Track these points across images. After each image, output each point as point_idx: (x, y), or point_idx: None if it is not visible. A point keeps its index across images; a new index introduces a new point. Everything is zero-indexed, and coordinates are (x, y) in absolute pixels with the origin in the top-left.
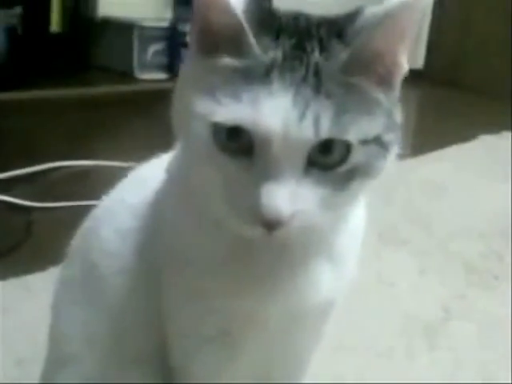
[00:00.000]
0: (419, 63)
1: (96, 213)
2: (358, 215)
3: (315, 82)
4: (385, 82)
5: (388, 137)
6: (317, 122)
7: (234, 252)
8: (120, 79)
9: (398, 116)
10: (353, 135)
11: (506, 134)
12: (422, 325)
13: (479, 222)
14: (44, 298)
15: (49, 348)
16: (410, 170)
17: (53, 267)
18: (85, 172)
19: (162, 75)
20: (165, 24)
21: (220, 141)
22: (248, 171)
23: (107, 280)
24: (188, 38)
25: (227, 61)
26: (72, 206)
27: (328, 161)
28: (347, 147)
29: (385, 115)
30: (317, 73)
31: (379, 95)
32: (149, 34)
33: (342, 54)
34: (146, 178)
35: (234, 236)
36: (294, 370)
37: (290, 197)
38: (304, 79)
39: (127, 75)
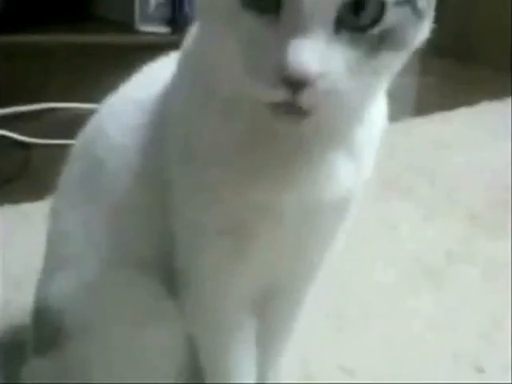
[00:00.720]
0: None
1: (101, 110)
2: (378, 111)
3: None
4: None
5: (423, 3)
6: None
7: (247, 139)
8: (121, 30)
9: None
10: None
11: (508, 100)
12: (426, 267)
13: (483, 176)
14: (41, 224)
15: (46, 255)
16: (415, 127)
17: (50, 197)
18: (81, 114)
19: (164, 28)
20: None
21: None
22: (274, 28)
23: (111, 176)
24: None
25: None
26: (68, 145)
27: (360, 21)
28: (381, 6)
29: None
30: None
31: None
32: None
33: None
34: (153, 75)
35: (248, 121)
36: (304, 277)
37: (318, 54)
38: None
39: (128, 26)
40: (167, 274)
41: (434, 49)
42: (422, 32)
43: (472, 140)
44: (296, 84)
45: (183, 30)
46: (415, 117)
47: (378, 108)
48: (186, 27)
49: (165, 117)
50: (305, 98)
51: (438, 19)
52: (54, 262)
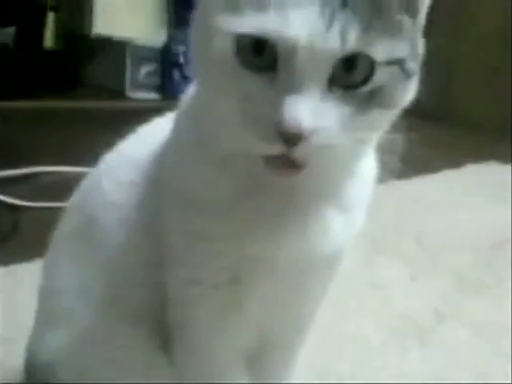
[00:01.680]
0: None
1: (98, 168)
2: (369, 166)
3: None
4: (410, 6)
5: (411, 65)
6: (343, 33)
7: (242, 193)
8: (112, 97)
9: (421, 47)
10: (378, 52)
11: (493, 163)
12: (414, 326)
13: (469, 237)
14: (30, 285)
15: (37, 311)
16: (399, 189)
17: (39, 259)
18: (72, 178)
19: (153, 95)
20: (158, 45)
21: (243, 56)
22: (271, 86)
23: (106, 231)
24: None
25: None
26: (58, 207)
27: (352, 79)
28: (371, 65)
29: (408, 41)
30: None
31: (404, 18)
32: (142, 54)
33: None
34: (149, 135)
35: (242, 176)
36: (296, 330)
37: (312, 111)
38: None
39: (119, 94)
40: (160, 327)
41: (418, 110)
42: (410, 92)
43: (457, 201)
44: (292, 140)
45: (172, 97)
46: (399, 178)
47: (368, 163)
48: (175, 94)
49: (161, 173)
50: (299, 152)
51: (422, 82)
52: (45, 317)
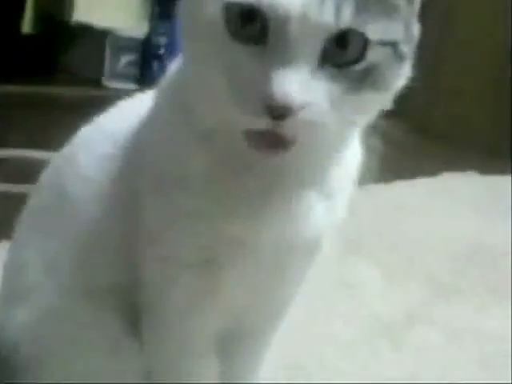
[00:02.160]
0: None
1: (72, 142)
2: (354, 154)
3: None
4: None
5: (405, 47)
6: (338, 8)
7: (223, 171)
8: (88, 84)
9: (416, 30)
10: (372, 31)
11: (470, 173)
12: (386, 327)
13: (444, 243)
14: None
15: (3, 286)
16: (377, 193)
17: (6, 241)
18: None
19: (131, 86)
20: (140, 36)
21: (233, 25)
22: (260, 58)
23: (79, 206)
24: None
25: None
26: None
27: (344, 57)
28: (364, 43)
29: (403, 24)
30: None
31: (400, 1)
32: (122, 44)
33: None
34: (129, 110)
35: (224, 153)
36: (271, 317)
37: (301, 85)
38: None
39: (96, 82)
40: (129, 308)
41: (399, 119)
42: (402, 76)
43: (435, 208)
44: (279, 114)
45: (150, 88)
46: (377, 183)
47: (353, 150)
48: (153, 85)
49: (140, 147)
50: (286, 127)
51: (403, 92)
52: (11, 292)
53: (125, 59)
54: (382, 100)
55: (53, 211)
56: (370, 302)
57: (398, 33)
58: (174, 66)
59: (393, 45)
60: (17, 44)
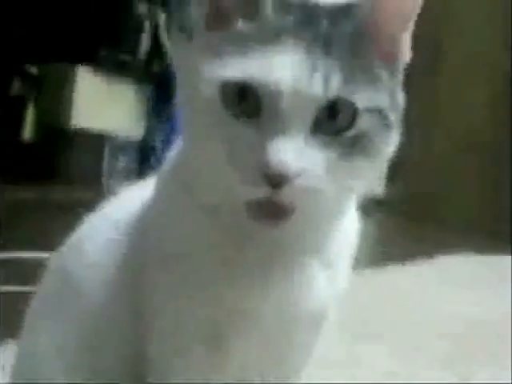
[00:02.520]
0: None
1: (78, 231)
2: (352, 223)
3: (325, 45)
4: (388, 60)
5: (392, 115)
6: (327, 79)
7: (226, 244)
8: (88, 187)
9: (401, 100)
10: (359, 100)
11: (465, 254)
12: None
13: (449, 325)
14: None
15: (13, 375)
16: (374, 278)
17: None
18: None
19: (131, 182)
20: (137, 137)
21: (228, 102)
22: (256, 130)
23: (85, 291)
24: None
25: (239, 25)
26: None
27: (335, 125)
28: (353, 112)
29: (388, 93)
30: (326, 38)
31: (382, 72)
32: (120, 146)
33: (349, 24)
34: (131, 197)
35: (226, 226)
36: None
37: (296, 153)
38: (314, 40)
39: (96, 184)
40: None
41: (388, 207)
42: (392, 143)
43: (431, 290)
44: (277, 182)
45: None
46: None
47: (351, 218)
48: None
49: (144, 229)
50: (284, 195)
51: (393, 181)
52: (22, 380)
53: (123, 161)
54: (374, 167)
55: (60, 297)
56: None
57: (383, 101)
58: (173, 152)
59: (379, 112)
60: (17, 151)
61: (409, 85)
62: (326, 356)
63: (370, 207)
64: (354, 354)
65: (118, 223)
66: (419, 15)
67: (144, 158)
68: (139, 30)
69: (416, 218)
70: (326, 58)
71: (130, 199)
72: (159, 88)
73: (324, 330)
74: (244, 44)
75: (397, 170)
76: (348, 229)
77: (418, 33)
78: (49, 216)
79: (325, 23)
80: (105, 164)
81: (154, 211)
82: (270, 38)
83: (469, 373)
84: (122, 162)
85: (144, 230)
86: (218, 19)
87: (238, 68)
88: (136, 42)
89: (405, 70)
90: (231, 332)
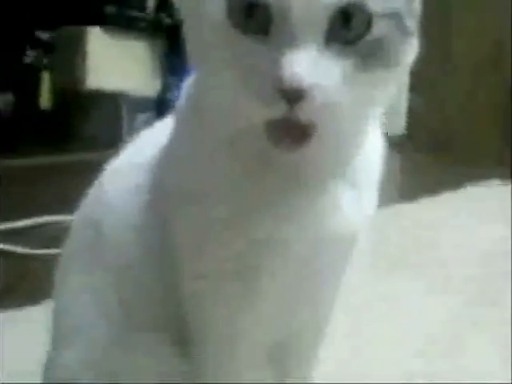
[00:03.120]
0: (400, 129)
1: (101, 179)
2: (376, 140)
3: None
4: None
5: (409, 21)
6: None
7: (248, 174)
8: (108, 147)
9: (418, 5)
10: (373, 3)
11: (493, 183)
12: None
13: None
14: (41, 328)
15: (53, 330)
16: (404, 212)
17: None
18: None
19: None
20: (153, 93)
21: (236, 18)
22: (267, 45)
23: (115, 240)
24: None
25: None
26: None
27: (349, 33)
28: (368, 17)
29: None
30: None
31: None
32: (137, 104)
33: None
34: (150, 138)
35: (248, 156)
36: (315, 322)
37: (311, 66)
38: None
39: (116, 144)
40: (178, 334)
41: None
42: (410, 51)
43: (461, 223)
44: (293, 96)
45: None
46: (401, 202)
47: (375, 137)
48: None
49: (166, 170)
50: (303, 111)
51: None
52: (61, 335)
53: (141, 118)
54: (393, 76)
55: (91, 248)
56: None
57: (399, 5)
58: (186, 87)
59: (396, 17)
60: (36, 119)
61: None
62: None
63: (395, 143)
64: (389, 290)
65: (139, 166)
66: None
67: (162, 114)
68: None
69: (440, 153)
70: None
71: (148, 141)
72: (171, 42)
73: (354, 258)
74: None
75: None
76: (372, 149)
77: None
78: (72, 179)
79: None
80: (123, 123)
81: (175, 148)
82: None
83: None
84: (141, 120)
85: (165, 170)
86: None
87: None
88: None
89: None
90: (261, 263)
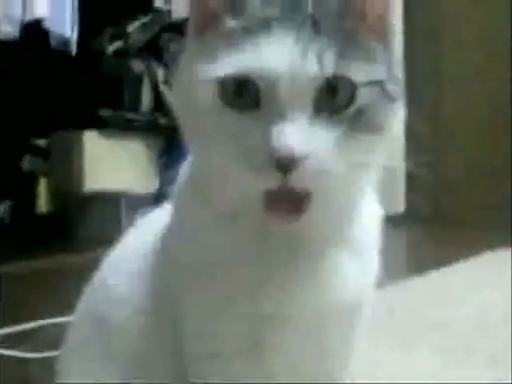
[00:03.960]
0: (400, 207)
1: (101, 268)
2: (372, 208)
3: (314, 26)
4: (378, 32)
5: (392, 88)
6: (320, 58)
7: (250, 248)
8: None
9: (399, 73)
10: (356, 74)
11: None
12: None
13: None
14: None
15: None
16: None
17: None
18: None
19: None
20: (151, 190)
21: (228, 99)
22: (259, 120)
23: (119, 328)
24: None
25: (228, 23)
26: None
27: (336, 103)
28: (352, 88)
29: (384, 66)
30: (314, 20)
31: (376, 46)
32: (136, 202)
33: (333, 3)
34: (149, 224)
35: (249, 231)
36: None
37: (301, 135)
38: (303, 24)
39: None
40: None
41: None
42: (397, 116)
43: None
44: (286, 166)
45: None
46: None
47: (371, 205)
48: None
49: (169, 250)
50: (296, 180)
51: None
52: None
53: (141, 214)
54: (382, 141)
55: (96, 339)
56: None
57: (380, 74)
58: (183, 169)
59: (379, 84)
60: (34, 223)
61: None
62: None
63: (396, 220)
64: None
65: (139, 252)
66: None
67: None
68: (139, 87)
69: (443, 226)
70: (316, 39)
71: (148, 226)
72: (167, 139)
73: (362, 324)
74: (235, 39)
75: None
76: (369, 215)
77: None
78: (72, 281)
79: (310, 5)
80: (123, 222)
81: (176, 229)
82: (259, 29)
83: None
84: (140, 217)
85: (169, 251)
86: (207, 21)
87: (232, 63)
88: (138, 100)
89: None
90: (269, 338)
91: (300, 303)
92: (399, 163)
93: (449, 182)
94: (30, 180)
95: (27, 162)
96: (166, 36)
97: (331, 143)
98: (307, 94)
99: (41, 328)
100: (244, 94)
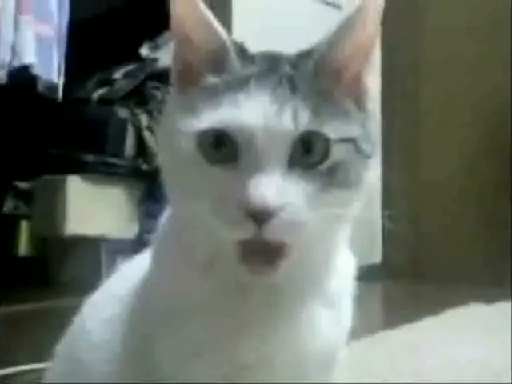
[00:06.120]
0: (377, 258)
1: (80, 312)
2: (347, 261)
3: (290, 86)
4: (353, 93)
5: (365, 146)
6: (295, 116)
7: (226, 299)
8: (88, 291)
9: (374, 131)
10: (330, 131)
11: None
12: None
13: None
14: None
15: None
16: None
17: None
18: None
19: None
20: (131, 235)
21: (206, 151)
22: (235, 173)
23: (95, 372)
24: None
25: (209, 79)
26: None
27: (310, 158)
28: (326, 144)
29: (358, 124)
30: (290, 79)
31: (350, 106)
32: (116, 247)
33: (309, 64)
34: (129, 270)
35: (225, 280)
36: None
37: (275, 188)
38: (279, 83)
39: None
40: None
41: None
42: (369, 173)
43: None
44: (260, 217)
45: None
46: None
47: (345, 258)
48: None
49: (146, 296)
50: (270, 231)
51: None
52: None
53: (121, 259)
54: (355, 196)
55: (71, 381)
56: None
57: (354, 131)
58: (163, 218)
59: (352, 142)
60: (14, 266)
61: None
62: None
63: (372, 273)
64: None
65: (118, 297)
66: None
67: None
68: (123, 133)
69: (419, 279)
70: (292, 98)
71: (127, 272)
72: (149, 186)
73: (336, 372)
74: (215, 95)
75: (393, 236)
76: (344, 266)
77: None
78: (51, 326)
79: (287, 67)
80: (102, 266)
81: (154, 276)
82: (237, 87)
83: None
84: (120, 262)
85: (147, 297)
86: (189, 76)
87: (212, 118)
88: (121, 146)
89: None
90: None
91: (272, 352)
92: (375, 215)
93: (426, 234)
94: (11, 223)
95: (9, 205)
96: (151, 84)
97: (305, 196)
98: (282, 148)
99: (19, 373)
100: (222, 147)
